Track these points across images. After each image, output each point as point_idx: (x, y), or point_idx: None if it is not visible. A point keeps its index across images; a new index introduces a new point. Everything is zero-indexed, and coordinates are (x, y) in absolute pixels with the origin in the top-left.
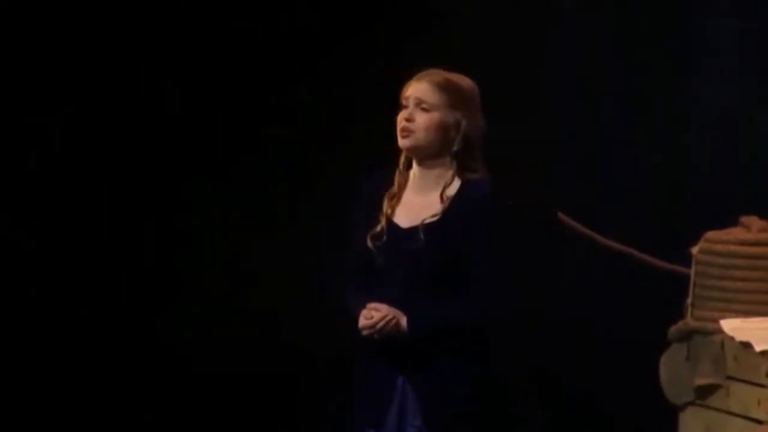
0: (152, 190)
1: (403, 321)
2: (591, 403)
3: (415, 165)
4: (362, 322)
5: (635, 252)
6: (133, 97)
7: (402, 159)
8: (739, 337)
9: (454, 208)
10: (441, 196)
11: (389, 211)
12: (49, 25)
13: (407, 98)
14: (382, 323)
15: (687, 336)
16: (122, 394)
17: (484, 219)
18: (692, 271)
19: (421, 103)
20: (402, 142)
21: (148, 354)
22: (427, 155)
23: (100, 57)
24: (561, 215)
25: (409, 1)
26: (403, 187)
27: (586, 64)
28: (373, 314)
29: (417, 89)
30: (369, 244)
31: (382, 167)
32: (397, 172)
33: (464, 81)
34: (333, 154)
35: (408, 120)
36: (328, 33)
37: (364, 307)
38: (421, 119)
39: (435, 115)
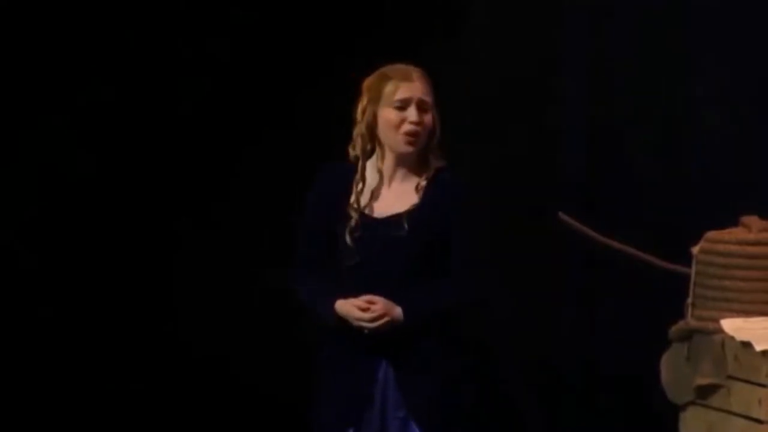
0: (152, 189)
1: (396, 312)
2: (591, 403)
3: (391, 158)
4: (358, 314)
5: (635, 252)
6: (133, 97)
7: (361, 150)
8: (740, 336)
9: (430, 195)
10: (417, 186)
11: (360, 204)
12: (46, 31)
13: (406, 100)
14: (381, 322)
15: (687, 336)
16: (124, 394)
17: (459, 203)
18: (693, 271)
19: (422, 104)
20: (408, 149)
21: (149, 353)
22: (417, 152)
23: (100, 59)
24: (561, 215)
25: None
26: (364, 178)
27: (590, 64)
28: (372, 307)
29: (416, 90)
30: (347, 238)
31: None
32: (360, 164)
33: None
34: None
35: (418, 124)
36: (328, 34)
37: (331, 299)
38: (427, 120)
39: (431, 114)
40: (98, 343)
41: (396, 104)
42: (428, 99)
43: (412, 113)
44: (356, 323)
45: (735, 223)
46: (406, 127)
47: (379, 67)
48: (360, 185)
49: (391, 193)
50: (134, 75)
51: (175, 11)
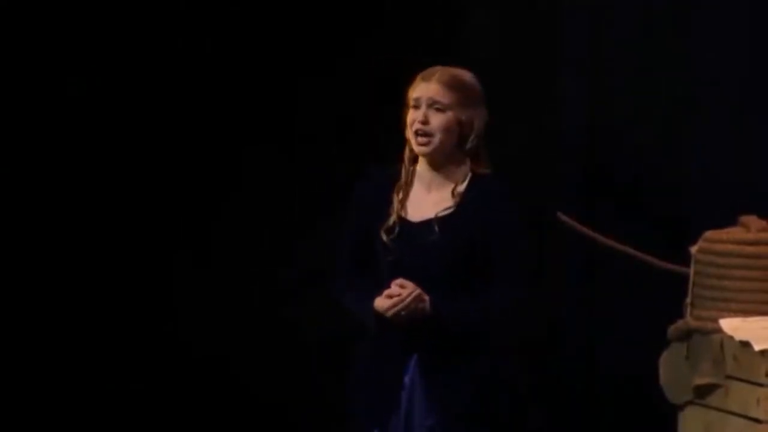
0: (152, 189)
1: (427, 299)
2: (591, 403)
3: (424, 162)
4: (389, 302)
5: (635, 252)
6: (133, 97)
7: (407, 155)
8: (739, 336)
9: (467, 202)
10: (452, 191)
11: (398, 207)
12: (45, 30)
13: (417, 99)
14: (410, 299)
15: (686, 335)
16: (124, 394)
17: (506, 216)
18: (691, 271)
19: (434, 104)
20: (421, 150)
21: (149, 353)
22: (441, 155)
23: (99, 59)
24: (561, 215)
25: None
26: (408, 183)
27: (589, 63)
28: (401, 291)
29: (428, 90)
30: (384, 237)
31: (376, 166)
32: (404, 169)
33: (467, 76)
34: (338, 155)
35: (423, 123)
36: (328, 34)
37: (370, 302)
38: (437, 121)
39: (450, 115)
40: (98, 342)
41: (412, 103)
42: (443, 100)
43: (419, 112)
44: (388, 313)
45: (734, 222)
46: (414, 126)
47: (377, 66)
48: (401, 188)
49: (430, 198)
50: (134, 75)
51: (174, 11)
